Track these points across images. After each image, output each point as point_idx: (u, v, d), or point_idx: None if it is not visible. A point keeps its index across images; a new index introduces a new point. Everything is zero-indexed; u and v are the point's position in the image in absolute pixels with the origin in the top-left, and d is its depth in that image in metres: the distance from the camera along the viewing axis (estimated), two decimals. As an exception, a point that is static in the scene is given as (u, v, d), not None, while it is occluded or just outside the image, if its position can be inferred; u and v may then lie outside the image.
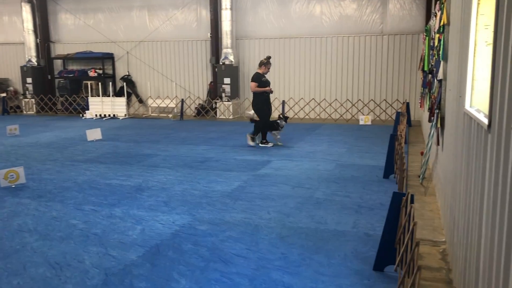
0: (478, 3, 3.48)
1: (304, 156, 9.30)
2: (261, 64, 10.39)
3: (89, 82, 18.29)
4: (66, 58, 18.88)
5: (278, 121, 10.44)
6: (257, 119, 10.47)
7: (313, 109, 15.94)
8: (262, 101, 10.30)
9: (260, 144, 10.45)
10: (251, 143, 10.39)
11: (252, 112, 10.76)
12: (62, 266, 4.27)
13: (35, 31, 18.95)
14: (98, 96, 17.47)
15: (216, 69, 16.57)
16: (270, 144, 10.37)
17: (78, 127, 14.46)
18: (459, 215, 3.71)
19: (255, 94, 10.33)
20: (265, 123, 10.39)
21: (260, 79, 10.26)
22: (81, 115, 17.67)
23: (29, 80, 18.75)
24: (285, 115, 11.00)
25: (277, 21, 16.38)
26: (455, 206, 4.03)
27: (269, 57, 10.52)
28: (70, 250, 4.65)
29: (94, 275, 4.08)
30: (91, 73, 18.27)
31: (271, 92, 10.48)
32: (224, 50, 16.41)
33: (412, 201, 3.52)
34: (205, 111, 16.93)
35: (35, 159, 9.36)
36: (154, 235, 5.03)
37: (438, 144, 6.23)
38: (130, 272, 4.13)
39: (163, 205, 6.13)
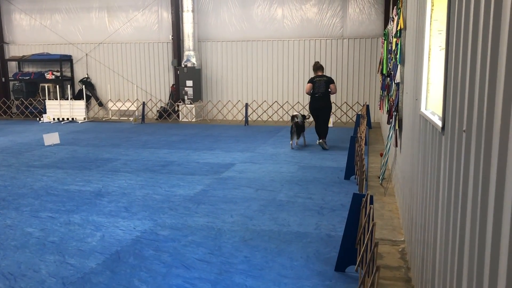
0: (432, 9, 3.60)
1: (267, 158, 9.34)
2: (323, 68, 10.78)
3: (46, 85, 17.71)
4: (21, 60, 18.22)
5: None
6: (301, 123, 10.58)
7: (276, 112, 16.04)
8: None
9: (322, 144, 10.46)
10: (327, 147, 10.47)
11: (299, 117, 10.73)
12: (17, 277, 4.10)
13: (-13, 31, 18.22)
14: (56, 99, 16.97)
15: (178, 71, 16.42)
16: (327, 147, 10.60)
17: (35, 131, 13.99)
18: (417, 214, 3.81)
19: (330, 95, 10.54)
20: (327, 124, 10.62)
21: None
22: (38, 119, 17.11)
23: (-19, 82, 18.00)
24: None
25: (239, 24, 16.40)
26: (412, 206, 4.15)
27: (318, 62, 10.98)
28: (25, 259, 4.48)
29: (50, 284, 3.94)
30: (48, 76, 17.71)
31: None
32: (186, 53, 16.28)
33: (371, 202, 3.58)
34: (167, 114, 16.73)
35: (-12, 165, 8.98)
36: (114, 241, 4.91)
37: (396, 145, 6.39)
38: (89, 280, 4.02)
39: (124, 210, 6.00)
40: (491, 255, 1.61)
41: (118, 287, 3.89)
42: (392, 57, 7.16)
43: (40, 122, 16.58)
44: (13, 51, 18.73)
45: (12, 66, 18.87)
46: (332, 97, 15.93)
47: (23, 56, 18.12)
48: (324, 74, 10.70)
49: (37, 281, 4.01)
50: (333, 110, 15.58)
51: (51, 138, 11.38)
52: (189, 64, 16.19)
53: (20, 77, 17.98)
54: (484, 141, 1.75)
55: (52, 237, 5.07)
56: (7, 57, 18.64)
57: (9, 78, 18.53)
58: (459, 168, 2.20)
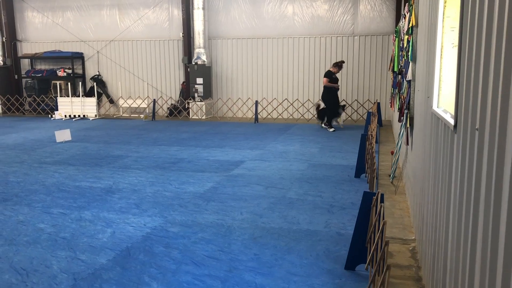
0: (444, 6, 3.55)
1: (277, 156, 9.33)
2: (336, 65, 12.78)
3: (58, 82, 17.87)
4: (33, 58, 18.39)
5: (339, 110, 12.89)
6: (322, 106, 12.97)
7: (286, 109, 16.01)
8: (330, 94, 12.68)
9: (323, 126, 13.03)
10: (331, 129, 12.67)
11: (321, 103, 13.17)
12: (29, 272, 4.15)
13: (0, 29, 18.40)
14: (68, 96, 17.10)
15: (189, 69, 16.45)
16: (332, 129, 12.63)
17: (47, 128, 14.12)
18: (428, 213, 3.78)
19: (325, 87, 12.69)
20: (330, 112, 12.79)
21: (331, 76, 12.70)
22: (50, 115, 17.26)
23: (-6, 80, 18.20)
24: (343, 104, 13.60)
25: (250, 21, 16.38)
26: (423, 204, 4.11)
27: (343, 62, 12.99)
28: (37, 255, 4.52)
29: (62, 280, 3.98)
30: (60, 73, 17.86)
31: (338, 88, 12.89)
32: (196, 50, 16.30)
33: (382, 200, 3.56)
34: (177, 111, 16.78)
35: (1, 162, 9.08)
36: (124, 238, 4.94)
37: (407, 143, 6.34)
38: (100, 276, 4.05)
39: (134, 207, 6.04)
40: (504, 255, 1.58)
41: (129, 283, 3.91)
42: (404, 55, 7.10)
43: (52, 119, 16.73)
44: (26, 48, 18.91)
45: (25, 64, 19.06)
46: (343, 94, 15.99)
47: (36, 53, 18.28)
48: (329, 69, 12.90)
49: (48, 276, 4.05)
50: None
51: (63, 135, 11.48)
52: (199, 62, 16.21)
53: (32, 75, 18.15)
54: (498, 139, 1.72)
55: (64, 233, 5.11)
56: (19, 54, 18.83)
57: (22, 76, 18.73)
58: (472, 167, 2.17)
